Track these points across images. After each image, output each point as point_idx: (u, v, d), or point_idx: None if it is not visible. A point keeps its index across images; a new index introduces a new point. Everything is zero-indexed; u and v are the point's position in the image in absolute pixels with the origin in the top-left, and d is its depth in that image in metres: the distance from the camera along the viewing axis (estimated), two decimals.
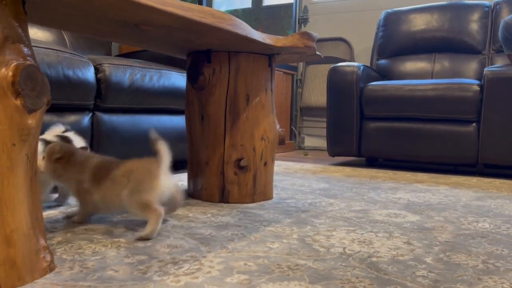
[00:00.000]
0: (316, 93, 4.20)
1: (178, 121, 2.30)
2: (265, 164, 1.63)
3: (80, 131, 1.80)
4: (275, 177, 2.24)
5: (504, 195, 1.90)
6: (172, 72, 2.26)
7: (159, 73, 2.18)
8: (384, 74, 3.40)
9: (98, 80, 1.88)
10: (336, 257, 1.01)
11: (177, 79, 2.26)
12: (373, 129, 2.85)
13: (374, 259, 1.01)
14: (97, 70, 1.89)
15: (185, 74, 2.32)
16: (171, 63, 2.41)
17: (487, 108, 2.53)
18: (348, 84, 2.89)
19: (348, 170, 2.70)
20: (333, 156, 2.99)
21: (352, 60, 4.06)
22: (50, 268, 0.87)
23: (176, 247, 1.05)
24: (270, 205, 1.57)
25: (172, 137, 2.23)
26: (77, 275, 0.86)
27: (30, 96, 0.79)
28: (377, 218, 1.42)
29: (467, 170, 2.80)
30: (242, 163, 1.57)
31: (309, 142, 4.32)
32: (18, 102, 0.78)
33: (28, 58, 0.81)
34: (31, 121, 0.81)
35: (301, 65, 4.37)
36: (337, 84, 2.93)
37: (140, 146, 2.07)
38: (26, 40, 0.83)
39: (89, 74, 1.83)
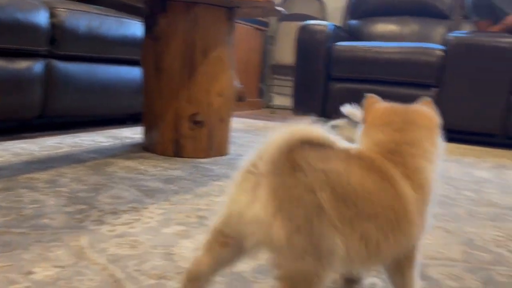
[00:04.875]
0: (288, 51, 4.15)
1: (138, 73, 2.25)
2: (221, 120, 1.63)
3: (32, 79, 1.73)
4: (235, 134, 2.24)
5: (453, 159, 1.97)
6: (134, 21, 2.17)
7: (119, 21, 2.10)
8: (355, 35, 3.38)
9: (52, 25, 1.80)
10: None
11: (139, 29, 2.18)
12: (339, 90, 2.86)
13: None
14: (51, 15, 1.80)
15: None
16: (135, 11, 2.31)
17: (449, 73, 2.57)
18: (316, 43, 2.87)
19: None
20: (298, 115, 3.00)
21: (324, 19, 4.00)
22: None
23: (120, 198, 1.06)
24: (224, 161, 1.58)
25: (131, 89, 2.17)
26: (11, 222, 0.85)
27: None
28: None
29: None
30: (198, 118, 1.56)
31: (278, 101, 4.31)
32: None
33: None
34: None
35: (273, 22, 4.28)
36: (306, 43, 2.90)
37: (97, 97, 2.02)
38: None
39: (42, 18, 1.74)
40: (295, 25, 4.15)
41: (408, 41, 3.13)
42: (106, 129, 2.08)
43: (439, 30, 3.22)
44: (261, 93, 4.22)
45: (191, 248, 0.80)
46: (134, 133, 1.99)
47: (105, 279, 0.66)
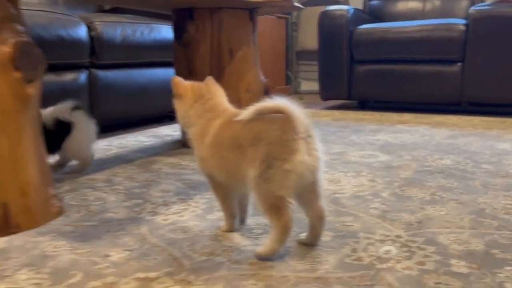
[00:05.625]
0: (312, 35, 4.21)
1: (169, 73, 2.41)
2: None
3: (78, 88, 1.92)
4: None
5: (477, 133, 2.03)
6: (162, 25, 2.33)
7: (149, 27, 2.26)
8: (376, 16, 3.42)
9: (91, 38, 1.98)
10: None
11: (168, 32, 2.34)
12: (363, 72, 2.93)
13: (337, 195, 1.17)
14: (89, 29, 1.98)
15: None
16: (160, 15, 2.47)
17: (472, 47, 2.60)
18: (338, 28, 2.94)
19: (337, 113, 2.82)
20: (325, 100, 3.10)
21: (346, 2, 4.04)
22: (60, 212, 1.04)
23: (168, 192, 1.22)
24: None
25: (167, 89, 2.33)
26: (83, 217, 1.03)
27: (28, 69, 0.92)
28: (351, 159, 1.57)
29: (453, 109, 2.91)
30: None
31: (306, 86, 4.40)
32: (18, 75, 0.90)
33: (23, 35, 0.93)
34: (31, 90, 0.94)
35: None
36: (327, 28, 2.98)
37: (136, 99, 2.20)
38: (19, 18, 0.94)
39: (82, 33, 1.92)
40: (317, 10, 4.19)
41: (431, 18, 3.15)
42: (146, 128, 2.26)
43: (461, 4, 3.21)
44: (288, 80, 4.32)
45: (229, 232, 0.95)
46: (173, 131, 2.16)
47: (166, 258, 0.82)
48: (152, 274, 0.76)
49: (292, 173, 0.77)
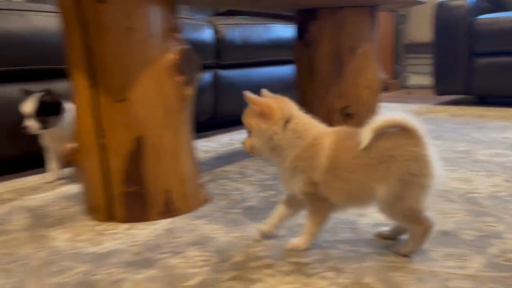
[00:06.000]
0: (421, 28, 4.04)
1: (284, 71, 2.49)
2: (370, 110, 1.77)
3: (204, 87, 2.09)
4: None
5: None
6: (276, 25, 2.42)
7: (265, 27, 2.37)
8: (498, 4, 3.16)
9: (217, 40, 2.13)
10: (436, 194, 1.16)
11: (281, 30, 2.43)
12: (483, 65, 2.75)
13: (472, 195, 1.14)
14: (215, 31, 2.13)
15: (287, 25, 2.47)
16: (272, 15, 2.56)
17: None
18: (455, 19, 2.79)
19: (454, 109, 2.69)
20: (440, 95, 2.97)
21: None
22: (207, 200, 1.17)
23: None
24: None
25: (280, 87, 2.43)
26: (228, 205, 1.14)
27: (188, 72, 1.05)
28: (479, 158, 1.50)
29: None
30: (348, 110, 1.73)
31: (414, 80, 4.23)
32: (180, 78, 1.04)
33: (184, 42, 1.06)
34: (189, 91, 1.07)
35: None
36: (444, 20, 2.85)
37: None
38: (179, 28, 1.07)
39: (209, 35, 2.08)
40: (428, 1, 4.01)
41: None
42: None
43: None
44: (396, 74, 4.18)
45: (370, 224, 0.98)
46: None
47: (313, 246, 0.88)
48: (304, 260, 0.83)
49: (429, 187, 0.80)
